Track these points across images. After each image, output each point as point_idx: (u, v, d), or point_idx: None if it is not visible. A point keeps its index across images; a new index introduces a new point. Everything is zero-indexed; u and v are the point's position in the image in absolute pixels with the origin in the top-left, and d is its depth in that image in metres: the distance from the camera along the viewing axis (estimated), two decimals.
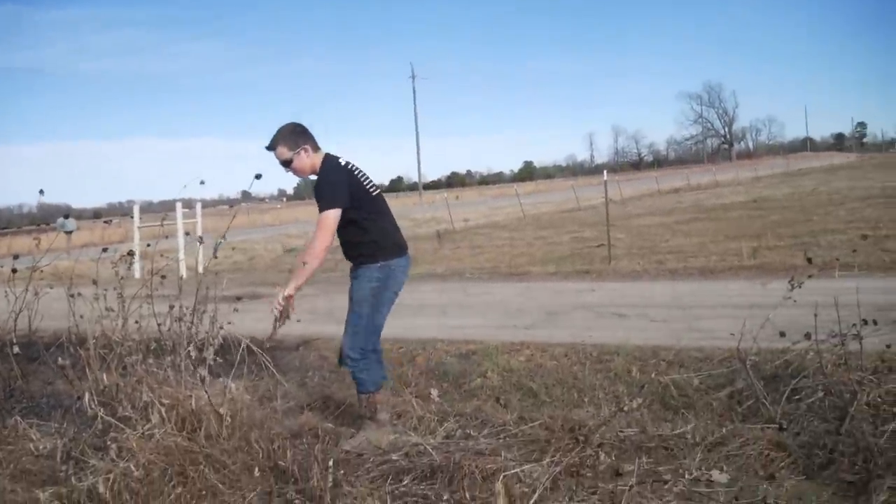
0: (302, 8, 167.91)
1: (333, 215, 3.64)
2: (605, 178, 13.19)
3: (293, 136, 3.80)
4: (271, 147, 3.81)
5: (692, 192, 33.39)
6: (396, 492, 3.05)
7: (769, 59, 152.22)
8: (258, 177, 3.96)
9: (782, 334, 3.92)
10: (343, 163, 3.84)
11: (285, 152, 3.78)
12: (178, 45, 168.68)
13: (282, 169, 3.85)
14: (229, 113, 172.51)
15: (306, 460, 3.26)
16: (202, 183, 4.38)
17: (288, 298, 3.67)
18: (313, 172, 3.84)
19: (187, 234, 8.02)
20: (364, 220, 3.77)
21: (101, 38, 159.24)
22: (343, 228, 3.73)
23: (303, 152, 3.79)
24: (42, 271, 4.49)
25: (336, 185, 3.71)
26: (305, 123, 3.89)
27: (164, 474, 3.23)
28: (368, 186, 3.84)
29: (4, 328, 4.47)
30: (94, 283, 4.16)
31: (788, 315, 4.11)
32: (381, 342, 3.99)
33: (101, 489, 3.16)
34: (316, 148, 3.85)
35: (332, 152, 3.92)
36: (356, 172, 3.83)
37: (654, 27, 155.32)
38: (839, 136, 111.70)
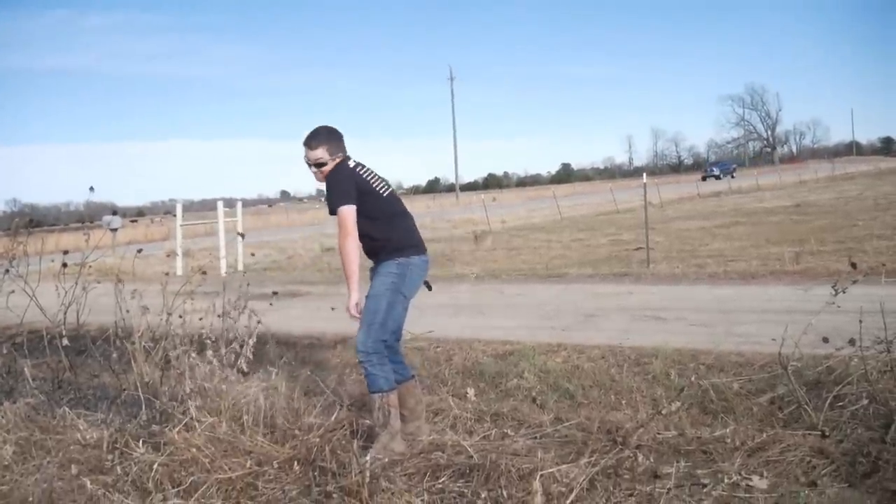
0: (341, 11, 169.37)
1: (347, 210, 3.66)
2: (645, 180, 13.06)
3: (335, 141, 3.82)
4: (313, 146, 3.80)
5: (733, 196, 32.89)
6: (433, 488, 3.07)
7: (815, 60, 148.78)
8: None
9: (825, 340, 3.85)
10: (352, 165, 3.85)
11: (325, 155, 3.79)
12: (219, 49, 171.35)
13: (307, 166, 3.86)
14: (268, 115, 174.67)
15: (344, 456, 3.31)
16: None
17: (357, 305, 3.72)
18: None
19: (242, 235, 8.15)
20: (380, 219, 3.78)
21: (146, 43, 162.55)
22: (361, 228, 3.73)
23: (338, 158, 3.81)
24: (90, 267, 4.61)
25: (340, 183, 3.74)
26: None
27: (205, 466, 3.30)
28: (378, 186, 3.85)
29: (54, 321, 4.59)
30: (123, 279, 4.26)
31: (832, 321, 4.05)
32: (402, 339, 4.01)
33: (145, 479, 3.24)
34: (345, 158, 3.86)
35: (350, 156, 3.93)
36: (364, 174, 3.84)
37: (695, 28, 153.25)
38: (887, 140, 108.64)
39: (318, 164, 3.83)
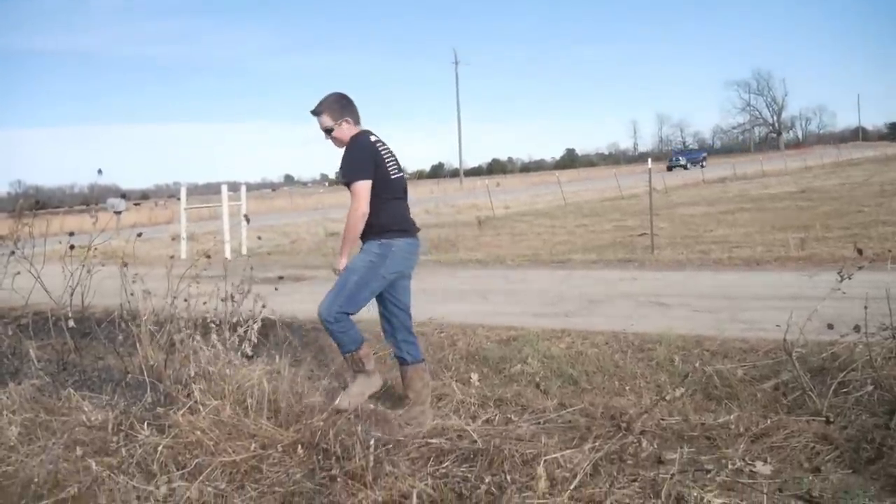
0: None
1: (364, 185, 3.76)
2: (650, 165, 13.01)
3: (338, 107, 3.92)
4: (317, 113, 3.95)
5: (738, 182, 32.76)
6: (437, 473, 3.07)
7: (821, 45, 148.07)
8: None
9: (830, 326, 3.85)
10: (373, 140, 3.93)
11: (328, 121, 3.92)
12: (223, 32, 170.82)
13: (323, 134, 3.98)
14: (272, 98, 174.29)
15: (348, 439, 3.32)
16: None
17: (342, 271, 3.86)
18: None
19: (247, 218, 8.12)
20: (378, 198, 3.83)
21: (151, 25, 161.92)
22: None
23: (344, 124, 3.92)
24: (96, 249, 4.62)
25: (359, 155, 3.83)
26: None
27: (209, 448, 3.31)
28: (390, 168, 3.92)
29: (59, 303, 4.60)
30: (128, 262, 4.25)
31: (837, 307, 4.04)
32: (414, 323, 4.14)
33: (150, 461, 3.26)
34: (357, 122, 3.96)
35: (372, 131, 4.02)
36: (382, 152, 3.91)
37: (701, 12, 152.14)
38: (893, 126, 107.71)
39: (327, 130, 3.94)
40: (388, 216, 3.87)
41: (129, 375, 4.26)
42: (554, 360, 4.90)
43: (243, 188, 16.26)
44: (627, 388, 4.32)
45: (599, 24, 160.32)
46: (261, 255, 13.57)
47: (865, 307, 3.60)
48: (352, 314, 3.85)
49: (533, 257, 11.14)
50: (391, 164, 3.92)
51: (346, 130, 3.91)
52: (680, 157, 64.12)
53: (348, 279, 3.82)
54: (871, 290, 3.77)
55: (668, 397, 3.72)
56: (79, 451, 3.39)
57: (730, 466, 2.93)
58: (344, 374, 4.73)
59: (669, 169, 56.83)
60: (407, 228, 3.95)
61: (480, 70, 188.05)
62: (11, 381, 4.34)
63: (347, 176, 3.80)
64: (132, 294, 4.42)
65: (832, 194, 19.86)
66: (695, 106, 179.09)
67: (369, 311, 4.07)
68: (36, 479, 3.22)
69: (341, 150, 3.94)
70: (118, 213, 23.95)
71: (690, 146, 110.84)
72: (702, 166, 54.05)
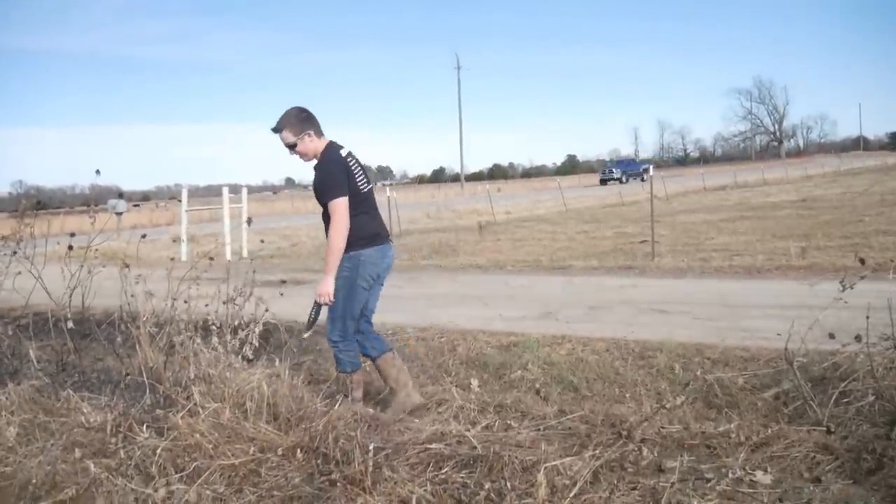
0: None
1: (342, 202, 3.83)
2: (651, 172, 13.02)
3: (298, 121, 3.95)
4: (278, 130, 3.97)
5: (739, 190, 32.76)
6: (436, 479, 3.06)
7: (823, 54, 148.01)
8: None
9: (832, 336, 3.84)
10: (344, 154, 4.00)
11: (289, 136, 3.95)
12: (225, 33, 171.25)
13: (287, 151, 4.01)
14: (275, 100, 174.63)
15: (347, 444, 3.31)
16: None
17: (327, 294, 3.93)
18: (315, 157, 4.00)
19: (249, 221, 8.15)
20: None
21: (152, 25, 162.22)
22: (328, 221, 3.92)
23: (306, 137, 3.95)
24: (96, 250, 4.62)
25: (333, 173, 3.90)
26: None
27: (208, 451, 3.30)
28: (360, 182, 3.99)
29: (59, 304, 4.59)
30: (128, 263, 4.25)
31: (838, 317, 4.02)
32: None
33: (148, 463, 3.25)
34: (319, 134, 4.00)
35: (338, 142, 4.08)
36: (352, 165, 3.98)
37: (703, 19, 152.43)
38: (894, 136, 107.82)
39: (290, 146, 3.97)
40: (353, 232, 3.92)
41: (129, 377, 4.26)
42: (554, 366, 4.90)
43: (244, 191, 16.28)
44: (628, 395, 4.31)
45: (601, 30, 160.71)
46: (262, 258, 13.57)
47: (867, 317, 3.60)
48: (354, 322, 4.07)
49: (534, 263, 11.13)
50: (360, 177, 4.00)
51: (310, 143, 3.96)
52: (614, 170, 53.98)
53: (336, 299, 3.96)
54: (873, 300, 3.76)
55: (668, 405, 3.71)
56: (77, 453, 3.38)
57: (730, 475, 2.92)
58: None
59: (603, 182, 50.66)
60: (371, 238, 4.02)
61: (483, 71, 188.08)
62: (11, 381, 4.33)
63: (324, 195, 3.87)
64: (132, 296, 4.42)
65: (833, 203, 19.85)
66: (696, 113, 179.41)
67: None
68: (34, 481, 3.21)
69: (309, 164, 4.01)
70: (119, 214, 24.00)
71: (691, 153, 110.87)
72: (642, 180, 44.66)
